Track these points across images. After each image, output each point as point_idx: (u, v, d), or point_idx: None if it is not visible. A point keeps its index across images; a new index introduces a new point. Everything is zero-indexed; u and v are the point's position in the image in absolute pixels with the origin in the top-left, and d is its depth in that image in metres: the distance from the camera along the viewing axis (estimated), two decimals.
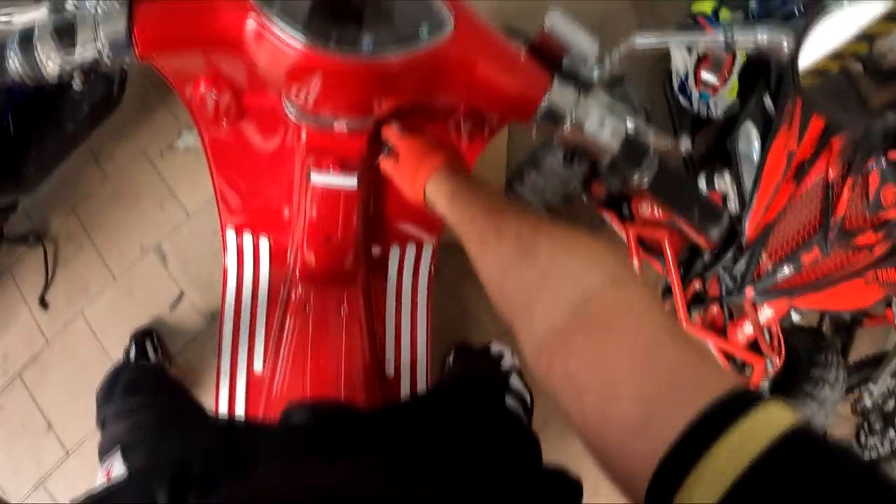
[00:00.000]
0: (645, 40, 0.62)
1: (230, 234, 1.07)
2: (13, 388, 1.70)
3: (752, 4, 1.80)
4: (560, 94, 0.66)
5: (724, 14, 1.80)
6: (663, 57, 1.75)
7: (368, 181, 0.95)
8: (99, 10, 0.56)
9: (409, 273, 1.05)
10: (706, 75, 1.50)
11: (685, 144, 0.67)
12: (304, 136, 0.79)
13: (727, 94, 1.47)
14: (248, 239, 1.07)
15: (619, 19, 2.36)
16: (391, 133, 0.76)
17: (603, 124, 0.65)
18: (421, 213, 0.76)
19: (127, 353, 1.63)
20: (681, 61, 1.59)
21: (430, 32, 0.61)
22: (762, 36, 0.55)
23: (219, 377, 1.01)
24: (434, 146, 0.72)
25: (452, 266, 1.51)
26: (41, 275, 1.74)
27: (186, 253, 1.77)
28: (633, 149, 0.66)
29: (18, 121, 1.52)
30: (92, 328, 1.73)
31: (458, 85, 0.68)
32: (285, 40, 0.58)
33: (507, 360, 0.95)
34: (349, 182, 0.87)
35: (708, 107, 1.59)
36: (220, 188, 0.99)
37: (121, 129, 1.84)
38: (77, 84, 0.59)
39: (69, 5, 0.56)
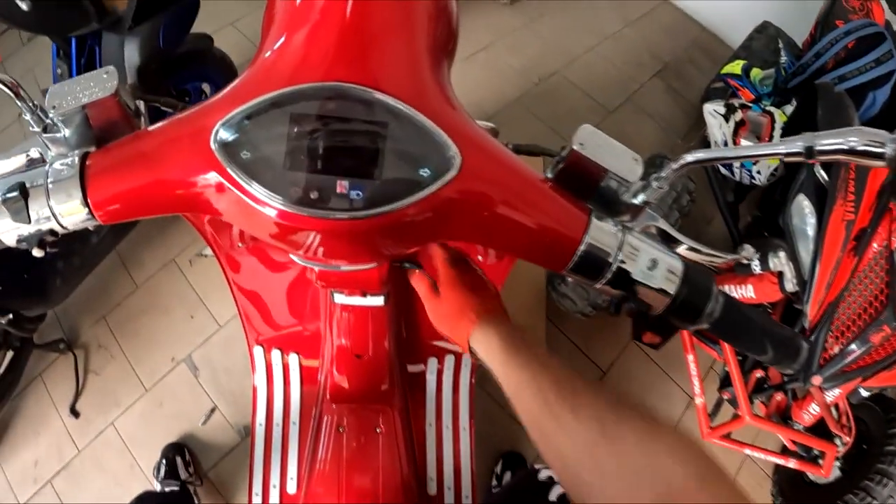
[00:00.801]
0: (696, 157, 0.50)
1: (258, 352, 1.02)
2: (43, 495, 1.64)
3: (783, 60, 1.77)
4: (600, 234, 0.52)
5: (755, 73, 1.76)
6: (696, 123, 1.71)
7: (398, 295, 0.89)
8: (50, 179, 0.51)
9: (448, 386, 0.98)
10: (746, 142, 1.45)
11: (748, 253, 0.58)
12: (315, 272, 0.71)
13: (770, 160, 1.41)
14: (276, 357, 1.02)
15: (647, 93, 2.42)
16: (436, 257, 0.70)
17: (655, 266, 0.52)
18: None
19: (157, 468, 1.56)
20: (718, 129, 1.54)
21: (433, 174, 0.48)
22: (855, 141, 0.42)
23: (251, 498, 0.95)
24: (479, 286, 0.66)
25: None
26: (72, 382, 1.73)
27: (218, 364, 1.74)
28: (693, 287, 0.52)
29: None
30: (123, 439, 1.68)
31: (472, 231, 0.54)
32: (257, 199, 0.48)
33: (556, 492, 0.86)
34: (375, 301, 0.81)
35: (751, 174, 1.52)
36: (242, 306, 0.95)
37: (149, 236, 1.87)
38: (37, 252, 0.54)
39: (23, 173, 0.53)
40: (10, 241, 0.53)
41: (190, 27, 1.63)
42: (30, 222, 0.51)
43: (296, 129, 0.48)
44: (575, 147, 0.52)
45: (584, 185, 0.54)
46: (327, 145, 0.47)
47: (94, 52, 1.54)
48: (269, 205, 0.48)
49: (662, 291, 0.52)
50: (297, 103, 0.48)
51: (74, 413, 1.71)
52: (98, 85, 0.53)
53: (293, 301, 0.96)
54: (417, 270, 0.71)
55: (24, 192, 0.51)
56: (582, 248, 0.52)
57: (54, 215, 0.51)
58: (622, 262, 0.52)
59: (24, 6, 1.27)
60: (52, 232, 0.53)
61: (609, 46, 2.58)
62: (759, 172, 1.47)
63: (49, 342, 1.73)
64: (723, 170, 1.54)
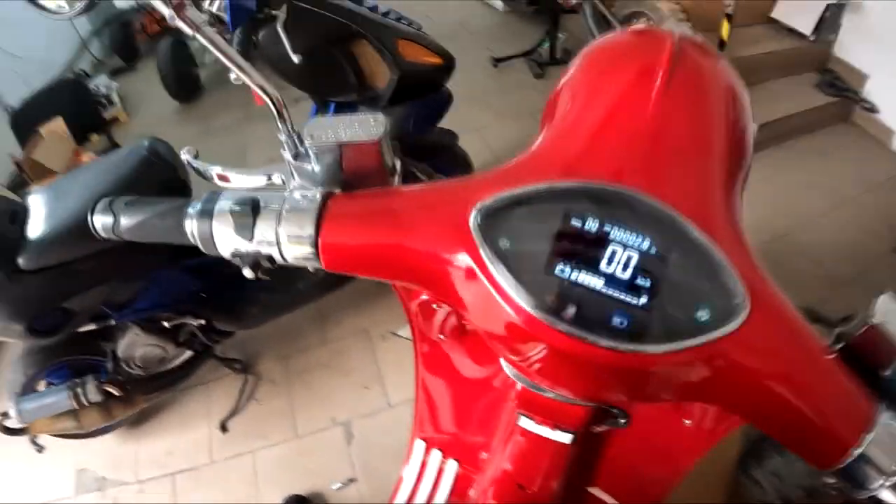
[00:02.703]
0: None
1: (418, 446, 0.98)
2: (161, 483, 1.75)
3: None
4: (887, 437, 0.41)
5: None
6: None
7: (586, 435, 0.79)
8: (286, 206, 0.48)
9: None
10: None
11: None
12: (517, 389, 0.65)
13: None
14: (435, 457, 0.96)
15: (883, 268, 2.10)
16: None
17: None
18: (658, 466, 0.62)
19: None
20: None
21: (712, 319, 0.39)
22: None
23: None
24: None
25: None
26: (233, 401, 1.86)
27: (374, 440, 1.74)
28: None
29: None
30: (256, 470, 1.75)
31: (733, 397, 0.45)
32: (505, 294, 0.42)
33: None
34: (563, 437, 0.72)
35: None
36: (420, 399, 0.93)
37: (354, 301, 1.99)
38: (248, 273, 0.51)
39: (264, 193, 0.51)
40: (225, 253, 0.51)
41: (439, 120, 1.77)
42: (251, 241, 0.49)
43: (567, 226, 0.42)
44: (875, 321, 0.42)
45: (867, 366, 0.43)
46: (599, 252, 0.41)
47: None
48: (517, 304, 0.41)
49: None
50: (575, 201, 0.43)
51: (223, 428, 1.83)
52: (363, 128, 0.51)
53: (474, 409, 0.92)
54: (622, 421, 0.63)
55: (255, 208, 0.49)
56: (858, 448, 0.41)
57: (278, 243, 0.49)
58: None
59: (295, 59, 1.45)
60: (269, 258, 0.50)
61: (845, 211, 2.31)
62: None
63: (228, 358, 1.91)
64: None
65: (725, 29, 2.46)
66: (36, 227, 1.32)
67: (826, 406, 0.42)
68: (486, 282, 0.43)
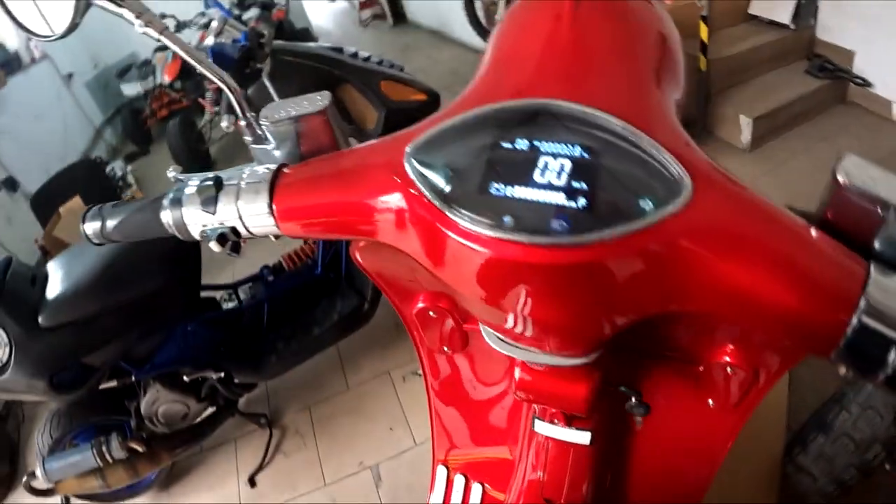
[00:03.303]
0: None
1: (440, 473, 0.95)
2: None
3: None
4: (884, 298, 0.37)
5: None
6: None
7: (606, 438, 0.76)
8: (244, 180, 0.53)
9: None
10: None
11: None
12: (516, 371, 0.62)
13: None
14: (459, 482, 0.93)
15: None
16: None
17: None
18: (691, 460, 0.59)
19: None
20: None
21: (655, 205, 0.38)
22: None
23: None
24: None
25: None
26: (260, 455, 1.85)
27: (402, 480, 1.72)
28: None
29: (273, 314, 1.78)
30: None
31: (708, 291, 0.41)
32: (446, 222, 0.41)
33: None
34: (580, 437, 0.69)
35: None
36: (436, 421, 0.91)
37: (373, 344, 1.99)
38: (215, 247, 0.55)
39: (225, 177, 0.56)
40: (195, 233, 0.55)
41: None
42: (215, 214, 0.53)
43: (496, 149, 0.43)
44: (841, 183, 0.40)
45: (853, 235, 0.40)
46: (531, 166, 0.41)
47: None
48: (458, 228, 0.41)
49: None
50: (501, 124, 0.44)
51: (252, 482, 1.82)
52: (311, 103, 0.55)
53: (490, 424, 0.90)
54: (633, 398, 0.60)
55: (218, 184, 0.53)
56: (857, 319, 0.37)
57: (239, 214, 0.53)
58: None
59: (267, 83, 1.51)
60: (234, 231, 0.54)
61: None
62: None
63: (252, 413, 1.92)
64: None
65: (704, 31, 2.50)
66: (54, 288, 1.39)
67: (808, 278, 0.39)
68: (430, 217, 0.43)
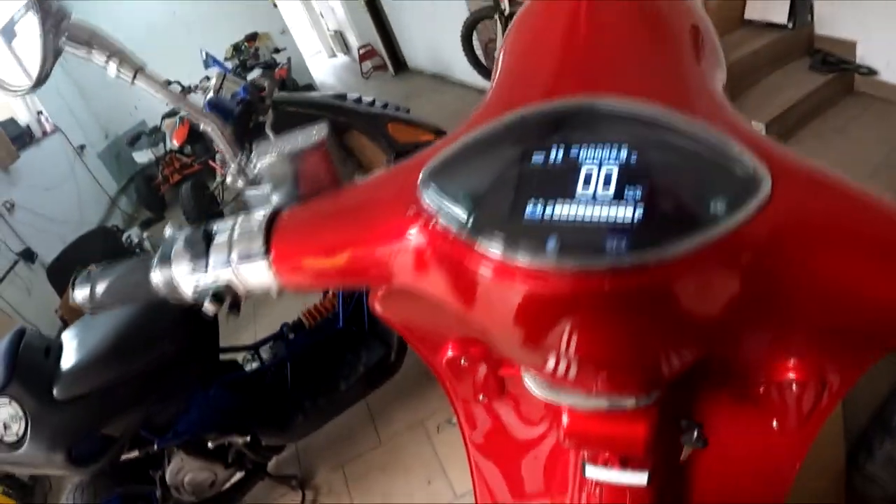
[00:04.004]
0: None
1: None
2: None
3: None
4: None
5: None
6: None
7: (666, 474, 0.69)
8: (237, 229, 0.47)
9: None
10: None
11: None
12: (564, 418, 0.55)
13: None
14: None
15: None
16: None
17: None
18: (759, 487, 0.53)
19: None
20: None
21: (729, 206, 0.32)
22: None
23: None
24: None
25: None
26: None
27: None
28: None
29: (296, 373, 1.72)
30: None
31: (800, 296, 0.35)
32: (478, 257, 0.35)
33: None
34: (637, 478, 0.62)
35: None
36: (476, 473, 0.85)
37: (402, 395, 1.93)
38: (208, 309, 0.49)
39: (212, 228, 0.50)
40: (188, 293, 0.49)
41: None
42: (206, 271, 0.47)
43: (527, 162, 0.36)
44: None
45: None
46: (572, 177, 0.34)
47: None
48: (491, 259, 0.34)
49: None
50: (524, 133, 0.38)
51: None
52: (306, 137, 0.49)
53: (534, 472, 0.83)
54: (695, 431, 0.53)
55: (207, 236, 0.48)
56: None
57: (232, 268, 0.46)
58: None
59: (270, 134, 1.49)
60: (229, 287, 0.47)
61: (881, 178, 2.20)
62: None
63: (283, 475, 1.84)
64: None
65: None
66: (69, 359, 1.36)
67: None
68: (452, 251, 0.36)
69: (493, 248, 0.34)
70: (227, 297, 0.48)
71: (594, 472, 0.62)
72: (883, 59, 2.55)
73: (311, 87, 5.77)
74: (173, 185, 4.94)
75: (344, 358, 1.74)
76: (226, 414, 1.57)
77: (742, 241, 0.32)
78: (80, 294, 0.55)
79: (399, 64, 6.74)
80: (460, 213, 0.36)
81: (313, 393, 1.70)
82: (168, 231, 0.64)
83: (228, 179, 1.35)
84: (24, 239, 3.91)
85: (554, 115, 0.37)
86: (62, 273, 3.41)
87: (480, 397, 0.77)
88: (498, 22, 3.44)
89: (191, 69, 4.73)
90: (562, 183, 0.34)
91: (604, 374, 0.43)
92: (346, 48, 9.20)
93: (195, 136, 4.36)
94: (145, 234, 4.40)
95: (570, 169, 0.34)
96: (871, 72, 2.60)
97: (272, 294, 0.48)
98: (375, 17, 6.53)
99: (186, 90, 4.54)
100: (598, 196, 0.33)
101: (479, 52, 3.95)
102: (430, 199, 0.38)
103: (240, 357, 1.81)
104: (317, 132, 0.49)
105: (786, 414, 0.56)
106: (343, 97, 1.69)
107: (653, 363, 0.40)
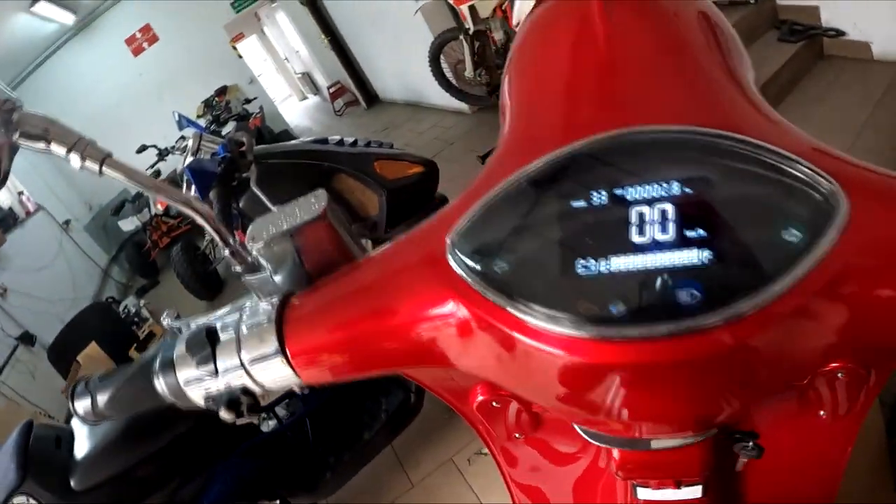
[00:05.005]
0: None
1: None
2: None
3: None
4: None
5: None
6: None
7: (719, 481, 0.65)
8: (244, 325, 0.41)
9: None
10: None
11: None
12: (615, 458, 0.52)
13: None
14: None
15: None
16: None
17: None
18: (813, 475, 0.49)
19: None
20: None
21: (807, 233, 0.28)
22: None
23: None
24: None
25: None
26: None
27: None
28: None
29: (317, 428, 1.66)
30: None
31: (873, 314, 0.31)
32: (528, 330, 0.31)
33: None
34: (691, 493, 0.58)
35: None
36: None
37: (427, 434, 1.87)
38: (225, 418, 0.43)
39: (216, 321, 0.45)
40: (199, 401, 0.44)
41: None
42: (217, 376, 0.42)
43: (568, 212, 0.32)
44: None
45: None
46: (622, 224, 0.30)
47: None
48: (545, 333, 0.30)
49: None
50: (557, 179, 0.33)
51: None
52: (305, 209, 0.44)
53: (582, 496, 0.79)
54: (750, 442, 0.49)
55: (212, 337, 0.42)
56: None
57: (245, 369, 0.41)
58: None
59: (256, 191, 1.44)
60: (245, 391, 0.42)
61: (868, 137, 2.19)
62: None
63: None
64: None
65: None
66: (82, 447, 1.31)
67: None
68: (498, 324, 0.32)
69: (543, 319, 0.30)
70: (245, 401, 0.43)
71: (647, 494, 0.59)
72: (849, 21, 2.56)
73: (286, 132, 5.75)
74: (163, 248, 4.90)
75: (363, 406, 1.69)
76: (250, 481, 1.51)
77: (829, 272, 0.27)
78: (81, 406, 0.50)
79: (371, 97, 6.77)
80: (501, 280, 0.32)
81: (337, 447, 1.65)
82: (166, 321, 0.58)
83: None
84: (21, 322, 3.85)
85: (588, 155, 0.33)
86: (63, 354, 3.35)
87: (516, 435, 0.73)
88: (464, 42, 3.46)
89: (166, 130, 4.74)
90: (611, 232, 0.30)
91: (666, 426, 0.40)
92: (315, 89, 9.27)
93: None
94: (142, 303, 4.34)
95: (619, 214, 0.30)
96: (839, 33, 2.61)
97: (296, 390, 0.43)
98: (341, 55, 6.57)
99: (164, 153, 4.55)
100: (656, 242, 0.29)
101: (448, 74, 3.95)
102: (463, 268, 0.33)
103: (256, 420, 1.75)
104: (315, 201, 0.44)
105: (833, 403, 0.53)
106: (325, 141, 1.66)
107: (719, 410, 0.37)
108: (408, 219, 1.64)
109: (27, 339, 3.79)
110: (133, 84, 6.26)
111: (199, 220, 0.46)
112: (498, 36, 3.34)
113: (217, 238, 0.47)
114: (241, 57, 6.95)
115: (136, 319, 4.03)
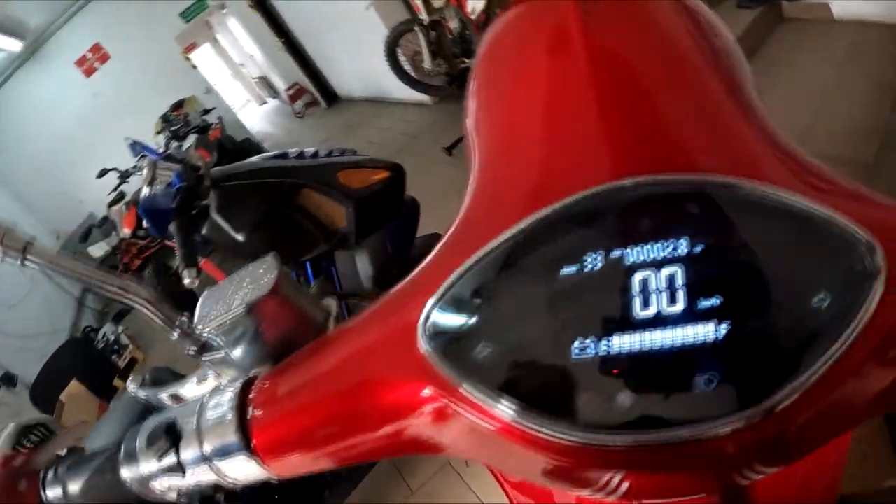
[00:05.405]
0: None
1: None
2: None
3: None
4: None
5: None
6: None
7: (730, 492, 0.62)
8: (204, 418, 0.37)
9: None
10: None
11: None
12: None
13: None
14: None
15: None
16: None
17: None
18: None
19: None
20: None
21: (840, 298, 0.23)
22: None
23: None
24: None
25: None
26: None
27: None
28: None
29: None
30: None
31: None
32: (521, 432, 0.27)
33: None
34: None
35: None
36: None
37: None
38: None
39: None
40: (172, 496, 0.41)
41: (415, 230, 1.69)
42: (184, 476, 0.38)
43: (556, 281, 0.27)
44: None
45: None
46: (623, 292, 0.26)
47: (331, 271, 1.67)
48: (538, 438, 0.26)
49: None
50: (547, 241, 0.29)
51: None
52: (254, 280, 0.40)
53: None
54: None
55: (173, 433, 0.38)
56: None
57: (210, 465, 0.37)
58: None
59: (240, 237, 1.39)
60: (217, 488, 0.39)
61: (837, 98, 2.19)
62: None
63: None
64: None
65: None
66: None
67: None
68: (481, 421, 0.27)
69: (539, 425, 0.26)
70: (219, 495, 0.39)
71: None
72: None
73: (249, 140, 5.60)
74: (135, 270, 4.78)
75: None
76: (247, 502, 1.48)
77: (874, 340, 0.23)
78: (53, 494, 0.45)
79: (331, 96, 6.64)
80: (480, 369, 0.27)
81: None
82: (130, 386, 0.54)
83: (186, 281, 1.24)
84: (0, 363, 3.72)
85: (577, 213, 0.28)
86: (46, 394, 3.26)
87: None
88: (420, 33, 3.38)
89: (126, 151, 4.59)
90: (610, 304, 0.26)
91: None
92: (274, 92, 9.08)
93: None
94: (120, 329, 4.23)
95: (617, 281, 0.26)
96: None
97: (272, 481, 0.39)
98: (297, 56, 6.43)
99: (125, 174, 4.41)
100: (663, 314, 0.25)
101: (407, 67, 3.88)
102: (438, 355, 0.29)
103: None
104: (265, 272, 0.40)
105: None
106: (284, 156, 1.59)
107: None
108: (378, 227, 1.59)
109: (8, 380, 3.68)
110: (88, 106, 6.05)
111: (138, 306, 0.41)
112: (454, 24, 3.27)
113: (160, 322, 0.41)
114: (195, 67, 6.76)
115: (115, 347, 3.93)
